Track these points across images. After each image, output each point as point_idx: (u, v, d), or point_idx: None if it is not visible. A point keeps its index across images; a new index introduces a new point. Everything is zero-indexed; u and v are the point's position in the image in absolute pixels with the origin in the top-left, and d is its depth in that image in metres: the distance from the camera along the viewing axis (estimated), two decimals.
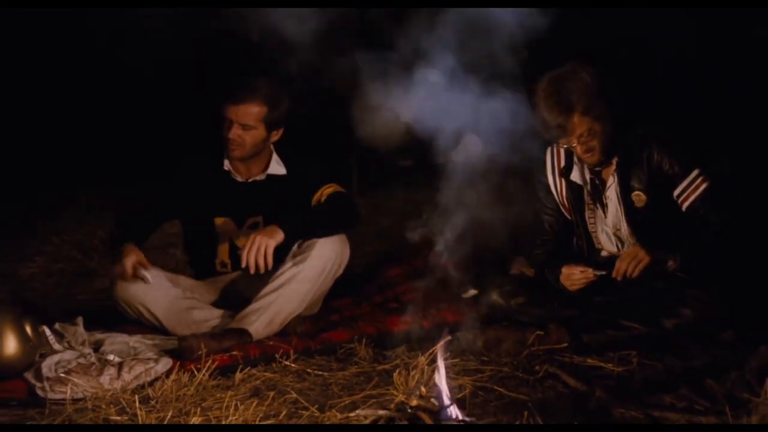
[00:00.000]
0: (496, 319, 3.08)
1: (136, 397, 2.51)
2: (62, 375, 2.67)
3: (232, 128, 3.22)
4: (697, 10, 4.13)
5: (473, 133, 3.52)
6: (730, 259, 2.98)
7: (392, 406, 2.28)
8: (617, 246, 3.12)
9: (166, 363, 2.81)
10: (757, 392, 2.25)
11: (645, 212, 3.02)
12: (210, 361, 2.80)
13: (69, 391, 2.61)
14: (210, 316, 3.19)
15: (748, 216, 3.11)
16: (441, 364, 2.22)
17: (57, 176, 6.20)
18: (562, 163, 3.16)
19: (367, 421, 2.24)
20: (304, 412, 2.44)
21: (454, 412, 2.17)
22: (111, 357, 2.83)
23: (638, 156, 3.00)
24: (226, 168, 3.36)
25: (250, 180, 3.37)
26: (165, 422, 2.38)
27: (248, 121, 3.22)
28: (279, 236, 3.09)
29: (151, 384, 2.70)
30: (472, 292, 3.32)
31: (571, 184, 3.16)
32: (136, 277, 3.13)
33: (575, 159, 3.12)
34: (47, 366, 2.72)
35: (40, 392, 2.64)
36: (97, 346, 2.96)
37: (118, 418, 2.45)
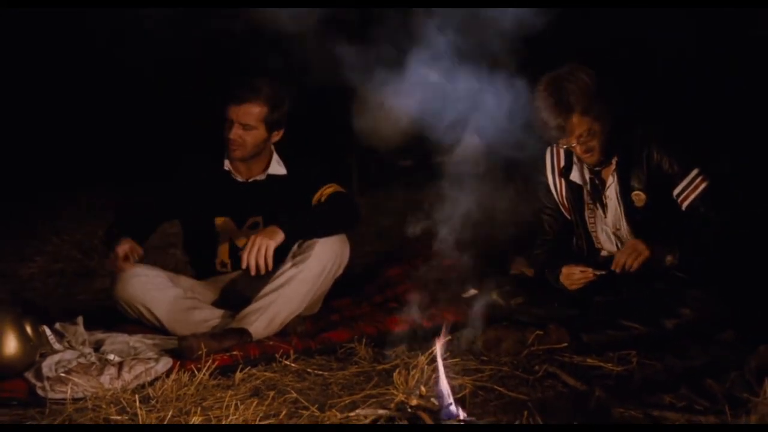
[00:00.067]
0: (495, 318, 3.08)
1: (137, 396, 2.51)
2: (62, 375, 2.67)
3: (233, 128, 3.22)
4: (697, 10, 4.13)
5: (473, 132, 3.53)
6: (730, 259, 2.98)
7: (392, 405, 2.28)
8: (617, 246, 3.12)
9: (166, 363, 2.81)
10: (756, 392, 2.25)
11: (645, 212, 3.03)
12: (210, 360, 2.80)
13: (69, 391, 2.61)
14: (210, 316, 3.20)
15: (748, 216, 3.12)
16: (441, 363, 2.23)
17: (57, 176, 6.21)
18: (562, 163, 3.16)
19: (367, 421, 2.25)
20: (304, 411, 2.44)
21: (454, 411, 2.17)
22: (111, 357, 2.83)
23: (638, 156, 3.01)
24: (226, 168, 3.36)
25: (250, 180, 3.38)
26: (165, 422, 2.38)
27: (249, 121, 3.22)
28: (279, 237, 3.09)
29: (151, 384, 2.70)
30: (472, 292, 3.32)
31: (570, 184, 3.16)
32: (128, 265, 3.11)
33: (575, 159, 3.12)
34: (47, 366, 2.72)
35: (40, 392, 2.64)
36: (97, 346, 2.96)
37: (119, 417, 2.45)
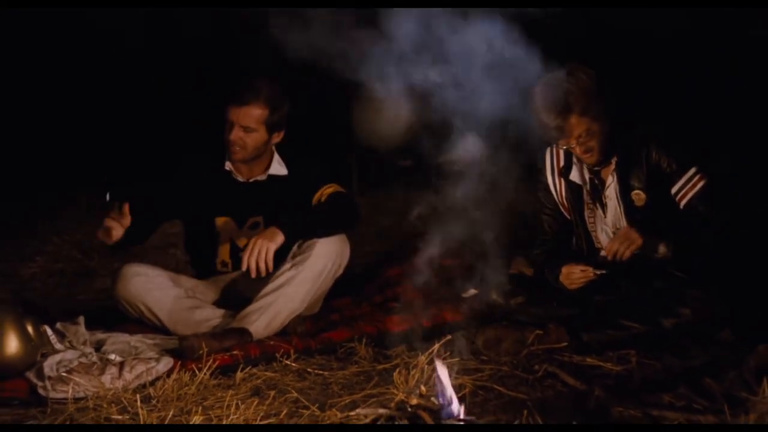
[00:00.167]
0: (495, 318, 3.09)
1: (138, 396, 2.52)
2: (64, 374, 2.68)
3: (234, 130, 3.23)
4: (697, 10, 4.13)
5: (473, 132, 3.53)
6: (729, 259, 2.99)
7: (392, 405, 2.29)
8: None
9: (167, 362, 2.82)
10: (755, 391, 2.25)
11: (644, 211, 3.03)
12: (211, 360, 2.81)
13: (70, 391, 2.61)
14: (211, 316, 3.20)
15: (748, 216, 3.12)
16: (441, 363, 2.23)
17: (57, 176, 6.21)
18: (561, 163, 3.17)
19: (367, 420, 2.25)
20: (304, 411, 2.45)
21: (456, 410, 2.18)
22: (112, 356, 2.84)
23: (637, 155, 3.01)
24: (227, 168, 3.37)
25: (251, 180, 3.38)
26: (166, 421, 2.38)
27: (249, 123, 3.23)
28: (279, 239, 3.10)
29: (152, 383, 2.71)
30: (472, 291, 3.32)
31: (570, 184, 3.17)
32: (118, 231, 3.09)
33: (574, 159, 3.13)
34: (49, 365, 2.73)
35: (41, 391, 2.65)
36: (98, 346, 2.97)
37: (120, 417, 2.46)
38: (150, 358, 2.82)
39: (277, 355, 2.93)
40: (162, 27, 6.05)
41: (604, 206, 3.12)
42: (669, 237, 2.98)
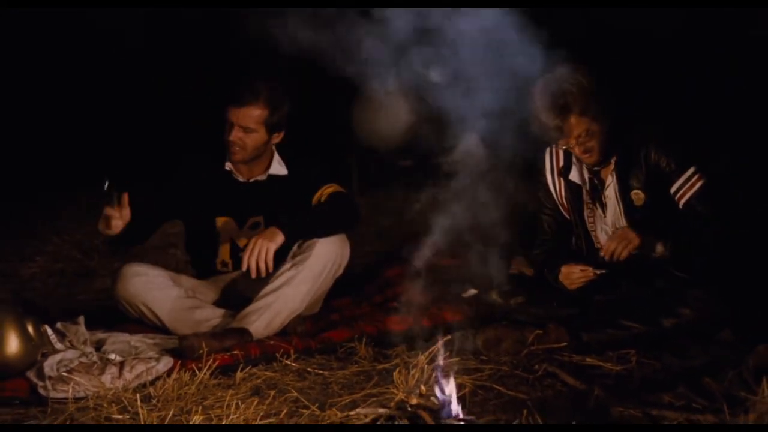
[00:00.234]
0: (495, 318, 3.09)
1: (138, 395, 2.52)
2: (64, 374, 2.68)
3: (233, 131, 3.23)
4: (697, 10, 4.13)
5: (473, 132, 3.53)
6: (729, 259, 2.99)
7: (392, 404, 2.29)
8: None
9: (167, 362, 2.82)
10: (754, 391, 2.26)
11: (644, 211, 3.04)
12: (211, 360, 2.81)
13: (71, 390, 2.61)
14: (211, 316, 3.20)
15: (748, 215, 3.13)
16: (443, 362, 2.24)
17: (57, 176, 6.21)
18: (561, 163, 3.18)
19: (367, 420, 2.26)
20: (304, 410, 2.46)
21: (455, 410, 2.19)
22: (112, 356, 2.84)
23: (636, 155, 3.02)
24: (227, 168, 3.37)
25: (251, 180, 3.38)
26: (166, 421, 2.39)
27: (249, 124, 3.22)
28: (279, 239, 3.10)
29: (152, 383, 2.71)
30: (472, 291, 3.33)
31: (569, 184, 3.17)
32: (117, 221, 3.07)
33: (574, 159, 3.13)
34: (49, 365, 2.73)
35: (42, 391, 2.65)
36: (98, 346, 2.97)
37: (120, 416, 2.46)
38: (150, 358, 2.83)
39: (277, 355, 2.93)
40: (162, 27, 6.05)
41: (603, 206, 3.12)
42: (667, 237, 2.99)
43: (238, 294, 3.31)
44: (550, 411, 2.36)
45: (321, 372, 2.82)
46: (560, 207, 3.24)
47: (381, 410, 2.27)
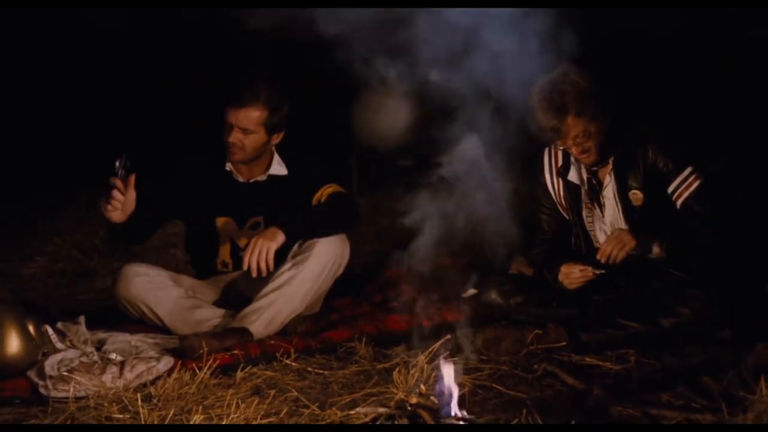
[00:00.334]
0: (495, 318, 3.10)
1: (139, 395, 2.52)
2: (65, 373, 2.69)
3: (233, 132, 3.23)
4: (697, 10, 4.14)
5: (473, 132, 3.53)
6: (728, 259, 3.00)
7: (392, 403, 2.30)
8: None
9: (167, 362, 2.82)
10: (753, 390, 2.26)
11: (642, 211, 3.04)
12: (211, 359, 2.82)
13: (72, 390, 2.62)
14: (212, 316, 3.21)
15: (747, 215, 3.13)
16: (444, 361, 2.25)
17: (57, 176, 6.21)
18: (560, 163, 3.18)
19: (367, 419, 2.26)
20: (304, 410, 2.46)
21: (455, 409, 2.19)
22: (113, 356, 2.85)
23: (634, 155, 3.02)
24: (227, 168, 3.38)
25: (251, 180, 3.39)
26: (167, 420, 2.39)
27: (248, 125, 3.23)
28: (280, 239, 3.10)
29: (153, 382, 2.71)
30: (472, 291, 3.33)
31: (568, 184, 3.18)
32: (117, 205, 3.07)
33: (572, 159, 3.14)
34: (50, 365, 2.74)
35: (42, 390, 2.66)
36: (99, 345, 2.98)
37: (121, 416, 2.47)
38: (151, 358, 2.83)
39: (278, 355, 2.94)
40: (162, 27, 6.06)
41: (602, 206, 3.13)
42: (664, 237, 2.99)
43: (239, 294, 3.31)
44: (550, 410, 2.37)
45: (321, 371, 2.82)
46: (559, 207, 3.24)
47: (381, 409, 2.28)
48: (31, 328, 2.84)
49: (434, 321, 3.12)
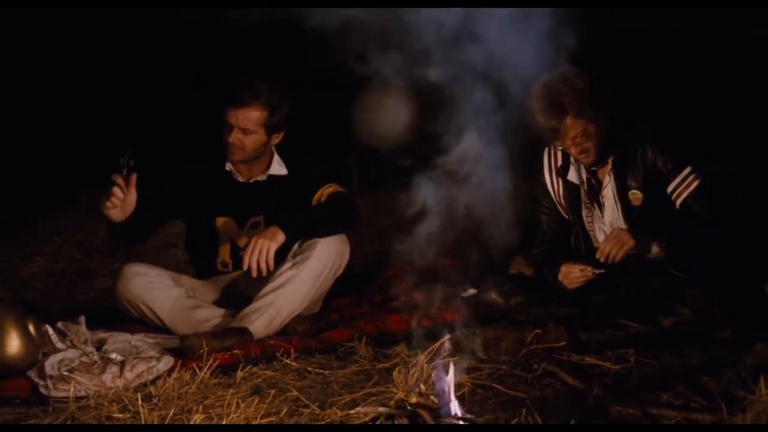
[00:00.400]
0: (495, 318, 3.10)
1: (139, 395, 2.52)
2: (65, 373, 2.69)
3: (233, 133, 3.23)
4: (697, 10, 4.14)
5: (473, 132, 3.54)
6: (728, 259, 3.00)
7: (392, 403, 2.30)
8: None
9: (167, 361, 2.83)
10: (752, 390, 2.27)
11: (642, 210, 3.05)
12: (211, 359, 2.82)
13: (72, 389, 2.63)
14: (212, 316, 3.21)
15: (746, 215, 3.14)
16: (445, 361, 2.25)
17: (57, 176, 6.21)
18: (559, 163, 3.19)
19: (367, 418, 2.27)
20: (304, 409, 2.46)
21: (455, 409, 2.19)
22: (113, 355, 2.85)
23: (633, 155, 3.03)
24: (227, 169, 3.38)
25: (251, 180, 3.39)
26: (167, 420, 2.39)
27: (248, 125, 3.23)
28: (280, 238, 3.11)
29: (153, 382, 2.72)
30: (472, 291, 3.34)
31: (568, 184, 3.18)
32: (117, 202, 3.07)
33: (572, 159, 3.14)
34: (50, 364, 2.74)
35: (43, 390, 2.66)
36: (99, 345, 2.98)
37: (121, 415, 2.47)
38: (151, 357, 2.84)
39: (278, 354, 2.94)
40: (162, 27, 6.06)
41: (601, 206, 3.13)
42: (663, 236, 3.00)
43: (239, 293, 3.32)
44: (549, 410, 2.37)
45: (321, 371, 2.83)
46: (558, 207, 3.25)
47: (381, 409, 2.28)
48: (31, 328, 2.84)
49: (434, 321, 3.13)
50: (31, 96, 6.49)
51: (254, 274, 3.07)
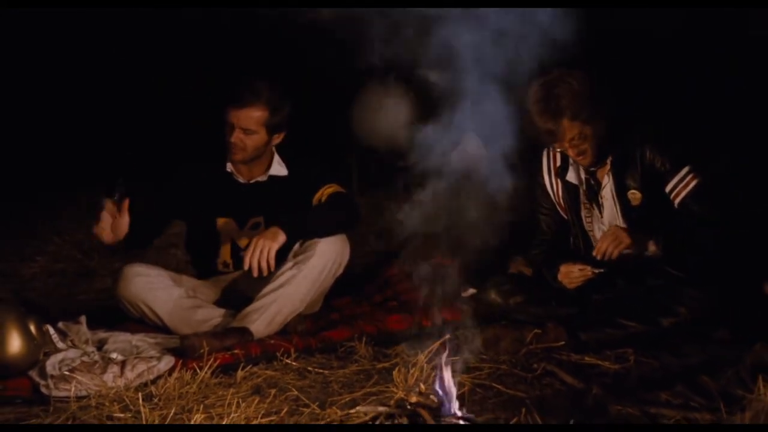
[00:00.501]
0: (494, 317, 3.11)
1: (140, 394, 2.53)
2: (66, 373, 2.69)
3: (234, 132, 3.24)
4: (697, 10, 4.14)
5: (472, 132, 3.55)
6: (727, 258, 3.01)
7: (392, 402, 2.31)
8: None
9: (168, 361, 2.83)
10: (751, 389, 2.27)
11: (641, 210, 3.05)
12: (212, 359, 2.82)
13: (73, 389, 2.63)
14: (212, 315, 3.22)
15: (745, 215, 3.14)
16: (446, 360, 2.26)
17: (57, 176, 6.21)
18: (558, 164, 3.19)
19: (367, 418, 2.27)
20: (304, 409, 2.47)
21: (454, 408, 2.20)
22: (114, 355, 2.86)
23: (632, 155, 3.03)
24: (228, 169, 3.38)
25: (251, 181, 3.40)
26: (168, 419, 2.40)
27: (250, 125, 3.23)
28: (281, 238, 3.11)
29: (153, 382, 2.72)
30: (471, 291, 3.35)
31: (567, 185, 3.19)
32: (107, 226, 3.08)
33: (571, 160, 3.14)
34: (51, 364, 2.75)
35: (44, 390, 2.67)
36: (100, 345, 2.99)
37: (122, 415, 2.47)
38: (151, 357, 2.84)
39: (278, 354, 2.95)
40: (162, 27, 6.06)
41: (600, 206, 3.13)
42: (660, 235, 3.00)
43: (239, 293, 3.32)
44: (549, 409, 2.38)
45: (321, 371, 2.83)
46: (558, 207, 3.25)
47: (381, 408, 2.28)
48: (32, 328, 2.84)
49: (434, 321, 3.13)
50: (32, 96, 6.48)
51: (255, 274, 3.07)
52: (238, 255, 3.34)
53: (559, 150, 3.09)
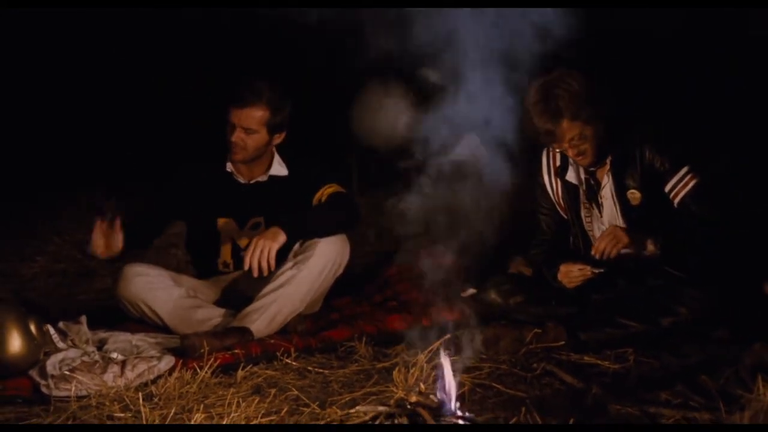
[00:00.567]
0: (494, 317, 3.11)
1: (140, 394, 2.53)
2: (66, 373, 2.70)
3: (235, 132, 3.24)
4: (697, 10, 4.14)
5: (473, 132, 3.55)
6: (726, 258, 3.01)
7: (392, 402, 2.31)
8: None
9: (168, 361, 2.83)
10: (750, 389, 2.28)
11: (640, 210, 3.05)
12: (212, 359, 2.83)
13: (73, 389, 2.63)
14: (212, 315, 3.22)
15: (745, 215, 3.14)
16: (446, 360, 2.26)
17: (57, 176, 6.21)
18: (558, 164, 3.19)
19: (367, 418, 2.27)
20: (305, 408, 2.47)
21: (454, 408, 2.20)
22: (114, 355, 2.86)
23: (632, 155, 3.03)
24: (228, 169, 3.39)
25: (252, 181, 3.40)
26: (168, 419, 2.40)
27: (251, 125, 3.24)
28: (281, 238, 3.12)
29: (154, 381, 2.72)
30: (471, 290, 3.35)
31: (566, 185, 3.19)
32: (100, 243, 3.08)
33: (570, 160, 3.15)
34: (52, 364, 2.75)
35: (44, 390, 2.67)
36: (100, 345, 2.99)
37: (122, 415, 2.48)
38: (152, 357, 2.84)
39: (278, 354, 2.95)
40: (162, 27, 6.06)
41: (600, 206, 3.14)
42: (660, 235, 3.00)
43: (239, 293, 3.33)
44: (549, 409, 2.38)
45: (321, 370, 2.84)
46: (557, 207, 3.25)
47: (381, 408, 2.29)
48: (32, 328, 2.85)
49: (434, 321, 3.13)
50: (32, 96, 6.49)
51: (255, 274, 3.08)
52: (238, 255, 3.34)
53: (558, 150, 3.09)
